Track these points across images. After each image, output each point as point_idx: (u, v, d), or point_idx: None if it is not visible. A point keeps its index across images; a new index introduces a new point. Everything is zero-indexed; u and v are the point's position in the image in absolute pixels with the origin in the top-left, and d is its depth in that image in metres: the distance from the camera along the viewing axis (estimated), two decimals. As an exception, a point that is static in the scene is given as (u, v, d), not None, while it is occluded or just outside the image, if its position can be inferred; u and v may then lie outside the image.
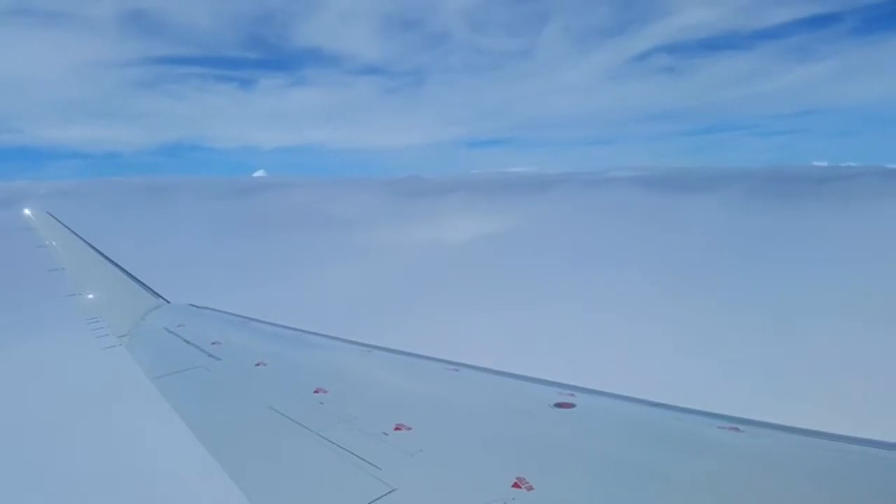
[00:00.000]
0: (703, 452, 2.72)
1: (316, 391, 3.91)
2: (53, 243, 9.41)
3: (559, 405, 3.33)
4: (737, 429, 2.86)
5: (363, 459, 2.86)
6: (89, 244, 9.58)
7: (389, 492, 2.51)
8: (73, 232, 9.75)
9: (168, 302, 8.40)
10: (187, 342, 5.83)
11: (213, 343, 5.59)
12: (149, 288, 8.70)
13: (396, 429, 3.15)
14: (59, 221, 9.95)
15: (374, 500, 2.46)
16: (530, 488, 2.35)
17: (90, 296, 8.14)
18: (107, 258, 9.30)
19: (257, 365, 4.81)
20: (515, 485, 2.38)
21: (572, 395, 3.53)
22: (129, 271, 9.05)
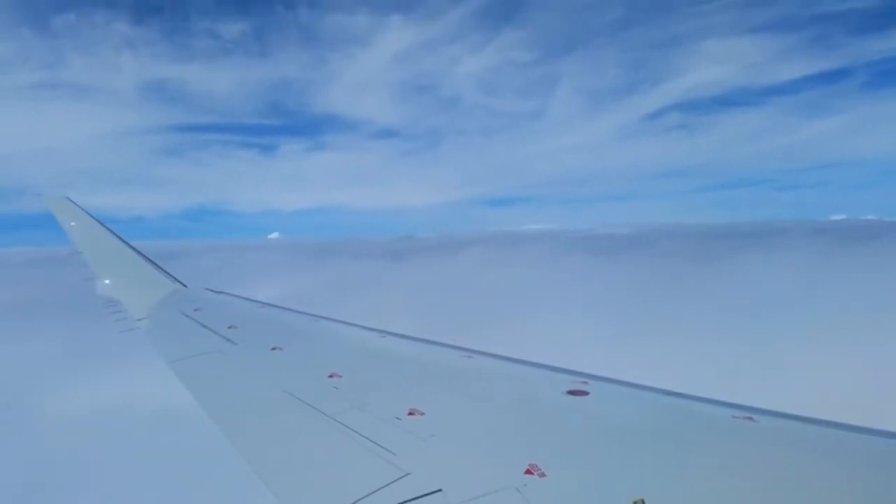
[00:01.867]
0: (717, 442, 2.70)
1: (331, 376, 3.94)
2: (73, 225, 9.50)
3: (572, 392, 3.32)
4: (751, 418, 2.84)
5: (377, 444, 2.87)
6: (108, 228, 9.67)
7: (402, 476, 2.53)
8: (91, 216, 9.84)
9: (185, 286, 8.50)
10: (204, 326, 5.90)
11: (230, 327, 5.65)
12: (166, 272, 8.79)
13: (410, 414, 3.16)
14: (77, 205, 10.04)
15: (388, 484, 2.48)
16: (543, 475, 2.35)
17: (108, 280, 8.24)
18: (125, 242, 9.40)
19: (273, 349, 4.85)
20: (528, 471, 2.38)
21: (585, 382, 3.51)
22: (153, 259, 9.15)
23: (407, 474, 2.54)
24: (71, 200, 10.23)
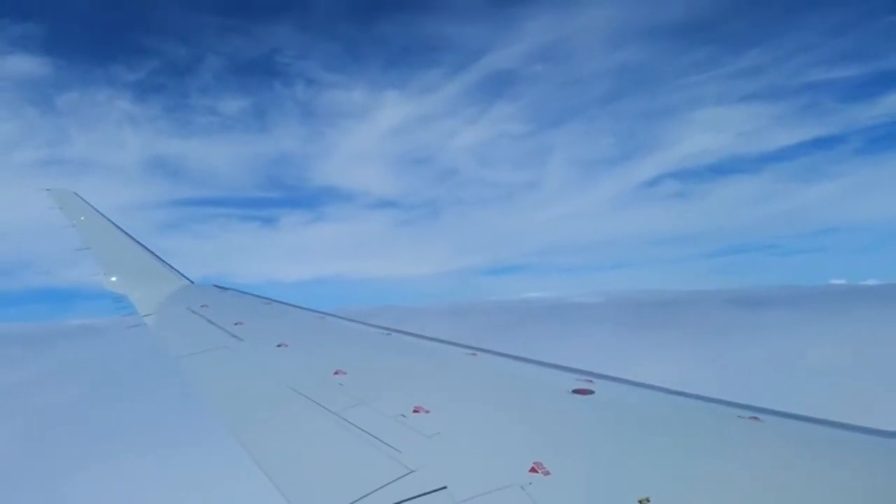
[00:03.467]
0: (722, 442, 2.69)
1: (336, 373, 3.95)
2: (81, 219, 9.50)
3: (578, 391, 3.32)
4: (757, 418, 2.83)
5: (382, 441, 2.88)
6: (115, 224, 9.68)
7: (407, 473, 2.54)
8: (98, 211, 9.86)
9: (192, 282, 8.53)
10: (211, 322, 5.93)
11: (236, 324, 5.67)
12: (173, 268, 8.82)
13: (415, 411, 3.17)
14: (85, 200, 10.06)
15: (393, 481, 2.49)
16: (547, 473, 2.36)
17: (115, 277, 8.27)
18: (132, 238, 9.42)
19: (279, 346, 4.87)
20: (532, 469, 2.38)
21: (591, 381, 3.51)
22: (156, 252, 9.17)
23: (412, 471, 2.55)
24: (77, 195, 10.23)
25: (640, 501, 2.07)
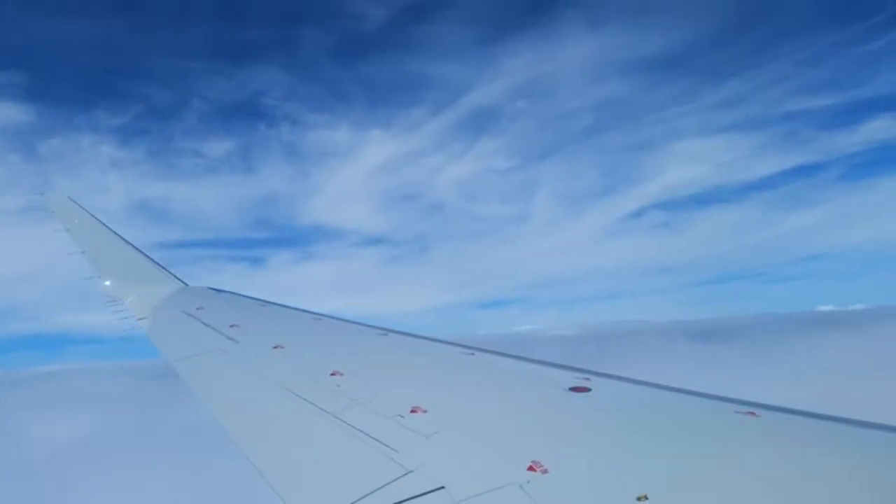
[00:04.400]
0: (720, 437, 2.70)
1: (332, 374, 3.94)
2: (75, 223, 9.45)
3: (574, 389, 3.32)
4: (753, 413, 2.84)
5: (379, 441, 2.88)
6: (109, 227, 9.65)
7: (405, 473, 2.53)
8: (92, 215, 9.82)
9: (187, 285, 8.49)
10: (206, 325, 5.91)
11: (232, 326, 5.65)
12: (168, 271, 8.78)
13: (412, 411, 3.17)
14: (79, 204, 10.02)
15: (391, 482, 2.48)
16: (545, 471, 2.36)
17: (109, 281, 8.22)
18: (126, 241, 9.38)
19: (275, 348, 4.86)
20: (530, 468, 2.38)
21: (588, 379, 3.52)
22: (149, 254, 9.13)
23: (409, 472, 2.54)
24: (71, 199, 10.19)
25: (638, 498, 2.08)
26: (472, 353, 4.45)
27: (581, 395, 3.27)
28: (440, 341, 4.91)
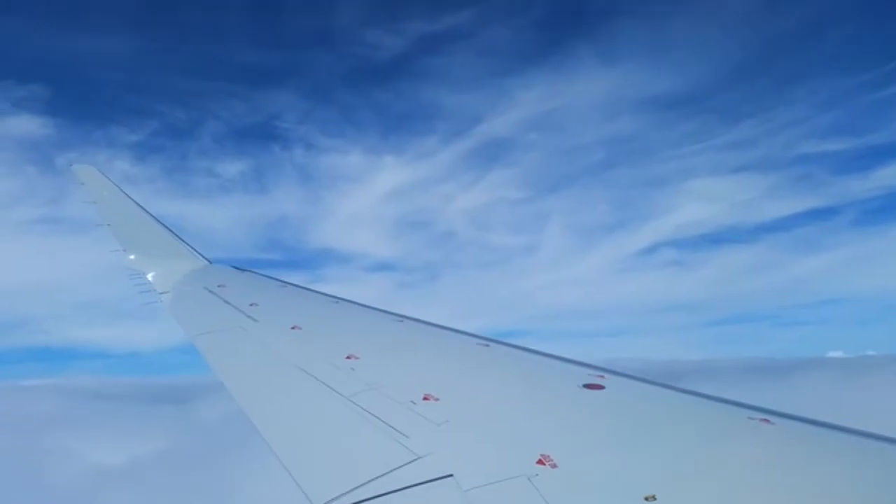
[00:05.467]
0: (732, 443, 2.67)
1: (348, 357, 3.98)
2: (103, 195, 9.55)
3: (588, 386, 3.31)
4: (767, 420, 2.80)
5: (390, 426, 2.91)
6: (135, 201, 9.75)
7: (414, 459, 2.56)
8: (119, 188, 9.94)
9: (210, 262, 8.60)
10: (226, 302, 5.98)
11: (252, 304, 5.72)
12: (192, 247, 8.88)
13: (425, 399, 3.18)
14: (106, 177, 10.13)
15: (400, 467, 2.51)
16: (554, 465, 2.36)
17: (133, 255, 8.33)
18: (152, 216, 9.49)
19: (293, 328, 4.91)
20: (539, 461, 2.39)
21: (602, 376, 3.50)
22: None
23: (419, 458, 2.56)
24: (98, 171, 10.29)
25: (646, 499, 2.07)
26: (488, 345, 4.46)
27: (595, 392, 3.26)
28: (456, 331, 4.92)
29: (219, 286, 6.67)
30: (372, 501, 2.32)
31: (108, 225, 8.83)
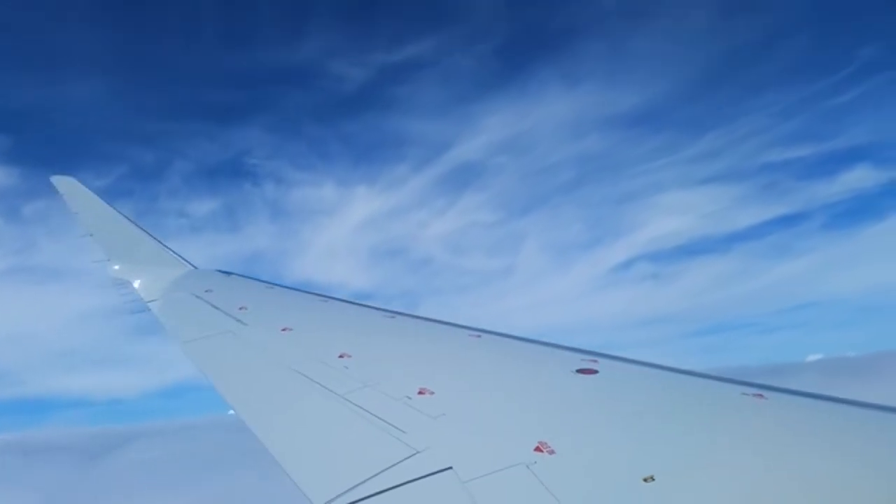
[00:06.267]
0: (727, 419, 2.70)
1: (341, 356, 3.96)
2: (84, 206, 9.44)
3: (582, 371, 3.33)
4: (761, 395, 2.83)
5: (387, 422, 2.90)
6: (118, 210, 9.65)
7: (413, 454, 2.55)
8: (100, 199, 9.82)
9: (196, 268, 8.52)
10: (215, 307, 5.93)
11: (241, 308, 5.68)
12: (177, 254, 8.80)
13: (420, 393, 3.18)
14: (87, 188, 10.01)
15: (398, 463, 2.50)
16: (552, 452, 2.37)
17: (118, 266, 8.24)
18: (136, 224, 9.40)
19: (283, 330, 4.88)
20: (537, 448, 2.40)
21: (595, 361, 3.52)
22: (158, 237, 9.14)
23: (417, 452, 2.56)
24: (79, 182, 10.17)
25: (644, 480, 2.08)
26: (479, 336, 4.46)
27: (588, 376, 3.28)
28: (447, 323, 4.92)
29: (206, 291, 6.61)
30: (372, 498, 2.32)
31: (91, 235, 8.73)
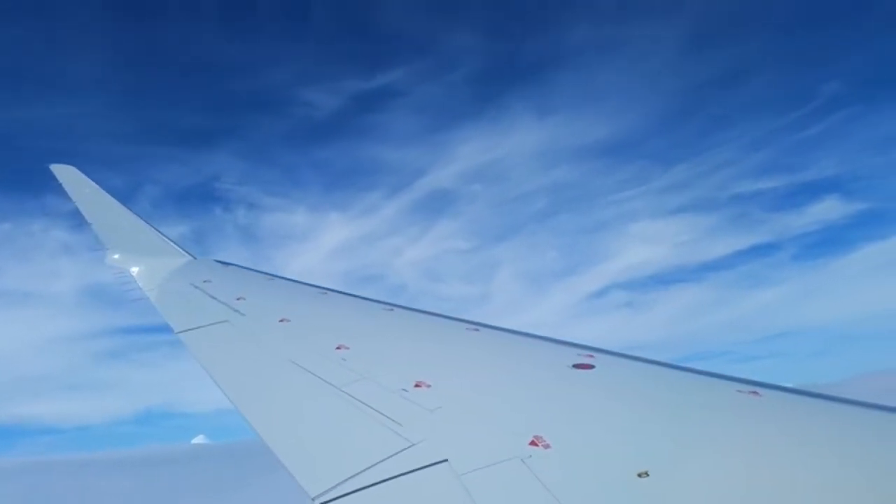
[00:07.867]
0: (722, 416, 2.71)
1: (338, 348, 3.97)
2: (83, 194, 9.44)
3: (578, 366, 3.33)
4: (756, 393, 2.84)
5: (383, 414, 2.91)
6: (116, 199, 9.63)
7: (409, 446, 2.56)
8: (99, 187, 9.80)
9: (195, 258, 8.52)
10: (213, 297, 5.93)
11: (239, 298, 5.68)
12: (176, 243, 8.79)
13: (417, 385, 3.19)
14: (86, 176, 9.99)
15: (394, 454, 2.51)
16: (547, 446, 2.38)
17: (117, 255, 8.23)
18: (134, 213, 9.38)
19: (281, 321, 4.88)
20: (532, 443, 2.40)
21: (591, 356, 3.53)
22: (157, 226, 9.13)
23: (413, 445, 2.57)
24: (77, 170, 10.16)
25: (639, 475, 2.09)
26: (477, 329, 4.47)
27: (585, 371, 3.28)
28: (445, 317, 4.92)
29: (204, 281, 6.60)
30: (368, 490, 2.33)
31: (90, 224, 8.72)
